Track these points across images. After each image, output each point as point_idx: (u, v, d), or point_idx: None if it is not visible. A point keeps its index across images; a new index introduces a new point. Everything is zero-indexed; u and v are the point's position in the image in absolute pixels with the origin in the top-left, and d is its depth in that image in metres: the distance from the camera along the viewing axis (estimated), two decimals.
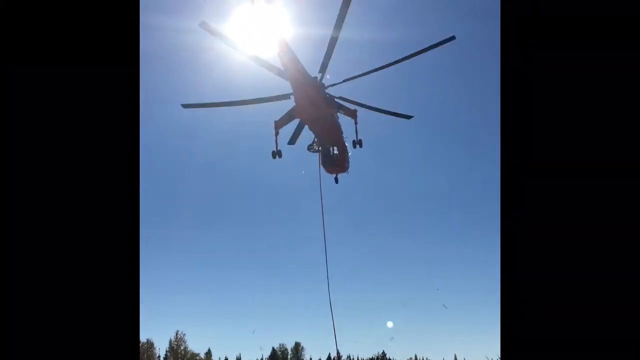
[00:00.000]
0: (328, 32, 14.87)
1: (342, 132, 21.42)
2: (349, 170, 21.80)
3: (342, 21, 14.99)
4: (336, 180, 22.37)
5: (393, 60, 16.98)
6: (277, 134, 19.96)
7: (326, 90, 18.74)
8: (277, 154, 20.10)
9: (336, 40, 15.75)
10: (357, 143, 21.12)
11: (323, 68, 17.27)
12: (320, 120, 19.92)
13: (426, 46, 16.66)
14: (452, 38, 16.53)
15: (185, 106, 20.41)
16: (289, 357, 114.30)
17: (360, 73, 17.32)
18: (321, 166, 21.38)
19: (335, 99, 19.39)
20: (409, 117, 21.86)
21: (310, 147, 21.49)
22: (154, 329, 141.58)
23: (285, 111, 18.74)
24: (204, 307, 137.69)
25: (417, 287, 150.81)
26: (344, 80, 18.13)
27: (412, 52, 16.99)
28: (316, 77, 17.88)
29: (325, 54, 16.42)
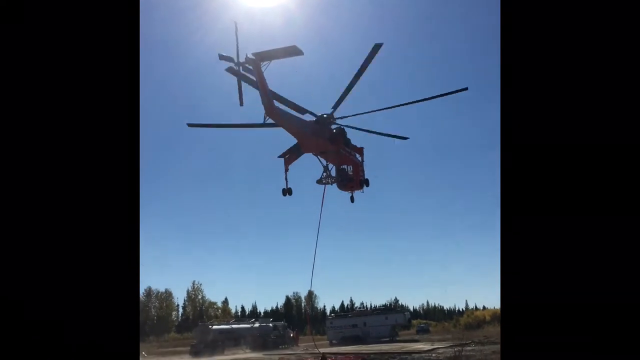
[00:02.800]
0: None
1: (353, 154, 21.14)
2: (366, 178, 21.31)
3: (364, 71, 16.01)
4: (352, 199, 22.17)
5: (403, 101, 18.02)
6: (286, 170, 20.11)
7: (337, 121, 19.33)
8: (287, 191, 20.17)
9: (354, 85, 16.73)
10: (365, 183, 21.29)
11: (336, 105, 18.12)
12: (329, 153, 20.08)
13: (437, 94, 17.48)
14: (465, 89, 17.18)
15: (190, 125, 20.70)
16: (302, 305, 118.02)
17: (371, 110, 18.59)
18: (334, 184, 21.39)
19: (343, 128, 19.76)
20: (405, 138, 22.21)
21: (319, 181, 21.28)
22: (173, 280, 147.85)
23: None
24: (220, 259, 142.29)
25: (430, 237, 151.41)
26: (354, 115, 18.75)
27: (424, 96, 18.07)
28: (323, 115, 18.64)
29: (342, 94, 17.46)
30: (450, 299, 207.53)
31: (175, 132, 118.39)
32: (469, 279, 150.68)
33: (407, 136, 21.41)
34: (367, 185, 21.16)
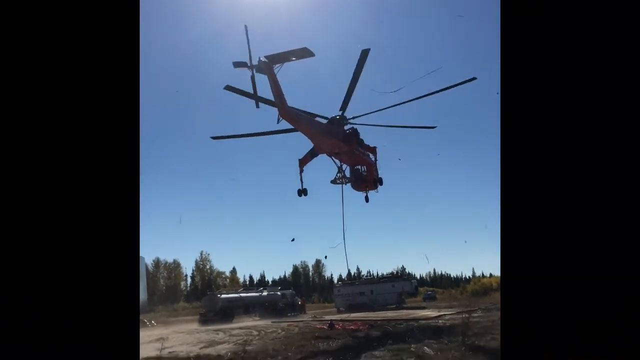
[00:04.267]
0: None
1: (367, 154, 21.89)
2: (379, 177, 22.05)
3: (360, 74, 16.76)
4: (367, 199, 22.84)
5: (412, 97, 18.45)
6: (301, 171, 20.80)
7: (350, 121, 20.06)
8: (302, 192, 20.98)
9: (355, 86, 17.59)
10: (377, 181, 22.05)
11: (344, 107, 18.81)
12: (343, 153, 20.85)
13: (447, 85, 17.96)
14: (474, 78, 17.54)
15: (213, 138, 21.98)
16: (310, 273, 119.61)
17: (380, 108, 19.04)
18: (349, 184, 21.90)
19: (355, 128, 20.57)
20: (432, 127, 23.43)
21: (333, 182, 22.11)
22: (181, 250, 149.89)
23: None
24: (227, 229, 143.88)
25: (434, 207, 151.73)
26: (365, 114, 19.40)
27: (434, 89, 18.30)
28: (335, 117, 19.34)
29: (345, 97, 18.02)
30: (457, 267, 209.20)
31: (182, 99, 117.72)
32: (476, 247, 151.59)
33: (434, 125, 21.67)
34: (381, 184, 21.69)
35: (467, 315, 18.72)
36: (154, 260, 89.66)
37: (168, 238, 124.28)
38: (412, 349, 12.27)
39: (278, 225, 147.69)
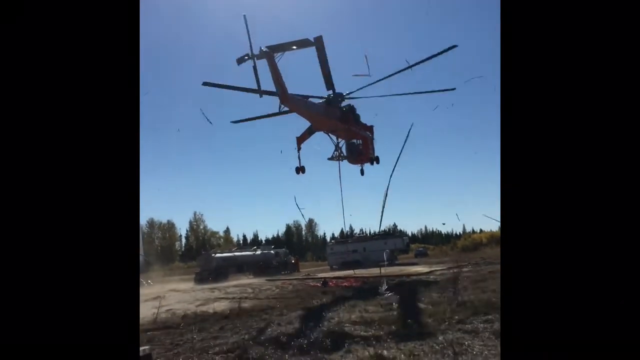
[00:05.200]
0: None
1: (362, 128, 22.33)
2: (376, 155, 22.72)
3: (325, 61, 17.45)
4: (362, 172, 23.46)
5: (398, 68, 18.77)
6: (299, 149, 21.22)
7: (346, 97, 20.58)
8: (300, 169, 21.46)
9: (329, 74, 18.48)
10: (375, 160, 22.61)
11: (330, 87, 19.39)
12: (339, 130, 21.35)
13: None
14: (454, 46, 17.76)
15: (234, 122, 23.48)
16: (303, 232, 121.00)
17: (372, 82, 19.23)
18: (345, 159, 22.39)
19: (352, 105, 21.22)
20: (452, 89, 22.63)
21: (330, 158, 22.55)
22: (175, 211, 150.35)
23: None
24: (221, 189, 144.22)
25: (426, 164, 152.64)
26: (358, 89, 19.81)
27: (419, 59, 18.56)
28: (330, 95, 19.79)
29: (325, 80, 18.72)
30: (448, 223, 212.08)
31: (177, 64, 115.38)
32: (467, 202, 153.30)
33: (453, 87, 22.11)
34: (378, 162, 21.93)
35: (457, 270, 19.15)
36: (147, 221, 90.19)
37: (162, 198, 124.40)
38: (403, 303, 12.60)
39: (272, 184, 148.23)
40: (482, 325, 8.85)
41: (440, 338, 8.01)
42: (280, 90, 17.16)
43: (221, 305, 16.93)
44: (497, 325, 8.42)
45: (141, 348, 6.91)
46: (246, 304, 16.21)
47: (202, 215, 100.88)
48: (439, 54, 18.21)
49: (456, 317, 9.75)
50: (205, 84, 19.70)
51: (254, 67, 15.95)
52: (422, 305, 12.08)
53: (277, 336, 9.38)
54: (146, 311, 14.59)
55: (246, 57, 15.84)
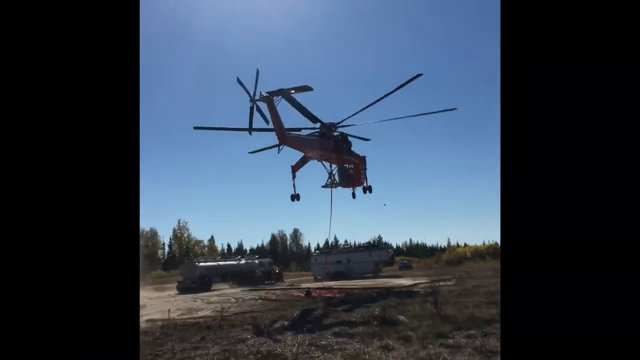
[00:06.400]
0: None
1: (352, 154, 23.32)
2: (368, 185, 23.82)
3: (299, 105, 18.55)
4: (353, 195, 24.40)
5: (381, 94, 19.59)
6: (294, 177, 21.97)
7: (339, 126, 21.64)
8: (295, 197, 22.16)
9: (309, 113, 19.83)
10: (367, 189, 23.83)
11: (315, 120, 20.47)
12: (332, 158, 22.47)
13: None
14: (420, 75, 18.66)
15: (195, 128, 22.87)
16: (288, 242, 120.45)
17: (360, 109, 20.20)
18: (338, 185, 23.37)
19: (345, 134, 22.24)
20: (453, 109, 25.16)
21: (324, 186, 23.44)
22: (158, 219, 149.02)
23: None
24: (205, 199, 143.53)
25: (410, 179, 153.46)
26: (349, 117, 20.89)
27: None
28: (325, 124, 21.06)
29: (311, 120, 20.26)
30: (433, 237, 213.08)
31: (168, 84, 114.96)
32: (452, 217, 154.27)
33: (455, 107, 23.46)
34: (370, 191, 22.88)
35: (440, 283, 19.18)
36: None
37: (145, 206, 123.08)
38: (386, 316, 12.57)
39: (257, 194, 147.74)
40: (464, 340, 8.86)
41: (422, 353, 8.00)
42: (279, 132, 18.20)
43: (203, 315, 16.74)
44: (479, 342, 8.44)
45: None
46: (228, 314, 16.05)
47: (186, 223, 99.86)
48: (405, 83, 19.04)
49: (438, 331, 9.75)
50: (196, 128, 21.39)
51: (251, 109, 17.27)
52: (403, 319, 12.05)
53: (258, 347, 9.29)
54: None
55: (249, 100, 17.11)
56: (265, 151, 22.21)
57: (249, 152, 24.75)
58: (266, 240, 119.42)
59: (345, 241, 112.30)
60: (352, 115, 20.63)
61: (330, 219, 25.57)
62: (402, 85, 18.99)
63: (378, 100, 19.72)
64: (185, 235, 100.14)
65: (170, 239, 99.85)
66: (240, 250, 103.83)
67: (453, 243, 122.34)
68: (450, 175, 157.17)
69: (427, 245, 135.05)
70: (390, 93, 19.47)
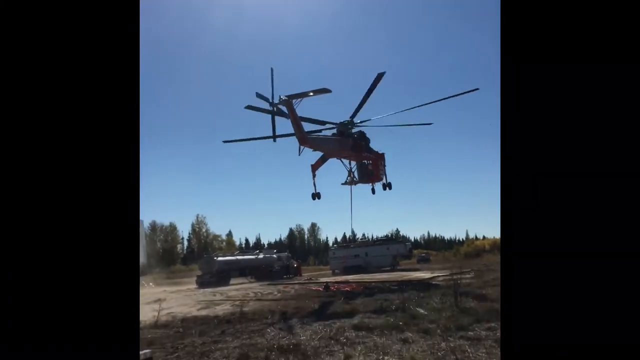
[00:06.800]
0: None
1: (371, 151, 23.76)
2: (388, 181, 24.33)
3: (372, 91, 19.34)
4: (373, 191, 24.73)
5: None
6: (314, 176, 22.34)
7: (357, 124, 21.99)
8: (316, 195, 22.67)
9: (366, 101, 20.20)
10: (387, 185, 24.17)
11: (354, 115, 21.14)
12: (352, 156, 22.94)
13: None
14: (476, 89, 19.68)
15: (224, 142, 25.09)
16: (305, 237, 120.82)
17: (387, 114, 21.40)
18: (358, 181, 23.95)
19: (363, 131, 22.77)
20: (429, 124, 25.19)
21: (344, 183, 23.95)
22: (177, 214, 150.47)
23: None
24: (224, 192, 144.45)
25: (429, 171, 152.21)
26: (370, 119, 21.67)
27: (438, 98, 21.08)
28: (343, 123, 21.50)
29: (357, 108, 20.56)
30: (451, 230, 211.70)
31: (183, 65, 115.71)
32: (470, 210, 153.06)
33: (431, 122, 23.99)
34: (390, 188, 23.19)
35: (459, 276, 19.05)
36: (150, 224, 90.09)
37: (164, 201, 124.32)
38: (405, 309, 12.54)
39: (274, 189, 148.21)
40: (484, 332, 8.79)
41: (443, 345, 7.96)
42: (299, 135, 18.47)
43: (222, 309, 16.88)
44: (499, 334, 8.37)
45: (142, 352, 6.90)
46: (247, 308, 16.17)
47: (204, 218, 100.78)
48: (457, 95, 20.42)
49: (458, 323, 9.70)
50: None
51: (273, 114, 17.35)
52: (423, 312, 12.01)
53: (278, 340, 9.35)
54: (147, 314, 14.57)
55: (268, 103, 17.17)
56: (280, 145, 22.93)
57: (223, 141, 25.33)
58: (284, 234, 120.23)
59: (363, 235, 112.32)
60: (385, 116, 21.53)
61: (352, 216, 25.60)
62: (454, 95, 20.06)
63: (423, 105, 20.67)
64: (204, 230, 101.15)
65: (189, 233, 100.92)
66: (258, 245, 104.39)
67: (472, 236, 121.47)
68: (468, 168, 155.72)
69: (445, 238, 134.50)
70: (439, 100, 20.48)
